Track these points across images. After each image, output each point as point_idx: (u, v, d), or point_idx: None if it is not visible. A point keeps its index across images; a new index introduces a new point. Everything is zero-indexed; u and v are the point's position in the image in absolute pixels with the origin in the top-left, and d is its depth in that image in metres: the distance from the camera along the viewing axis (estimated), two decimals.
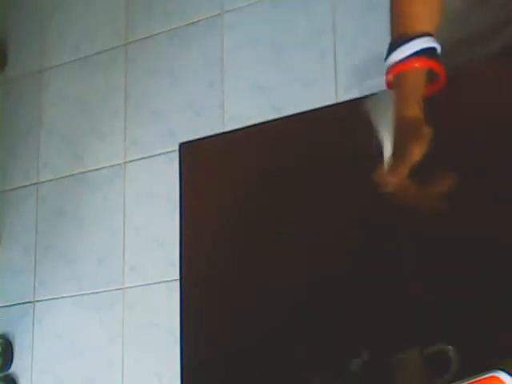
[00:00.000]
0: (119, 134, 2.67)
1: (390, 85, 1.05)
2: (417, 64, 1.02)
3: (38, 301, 2.68)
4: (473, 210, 1.02)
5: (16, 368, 2.67)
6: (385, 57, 1.06)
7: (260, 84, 2.43)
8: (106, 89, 2.74)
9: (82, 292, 2.59)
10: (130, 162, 2.62)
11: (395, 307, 1.04)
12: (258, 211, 1.20)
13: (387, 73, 1.05)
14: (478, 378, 0.82)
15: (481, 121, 1.05)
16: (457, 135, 1.06)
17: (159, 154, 2.56)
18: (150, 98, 2.63)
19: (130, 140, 2.64)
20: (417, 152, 0.97)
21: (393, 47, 1.04)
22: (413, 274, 1.04)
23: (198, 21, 2.60)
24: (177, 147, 1.31)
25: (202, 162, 1.29)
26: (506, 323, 0.95)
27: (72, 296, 2.61)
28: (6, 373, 2.66)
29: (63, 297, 2.63)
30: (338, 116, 1.18)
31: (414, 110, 1.01)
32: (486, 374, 0.82)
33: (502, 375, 0.81)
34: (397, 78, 1.03)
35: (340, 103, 1.08)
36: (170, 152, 2.51)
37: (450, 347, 0.96)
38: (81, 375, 2.54)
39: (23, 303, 2.70)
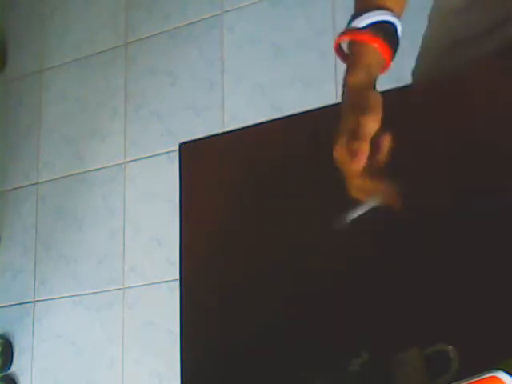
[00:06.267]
0: (119, 134, 2.67)
1: (336, 49, 1.04)
2: (376, 44, 0.99)
3: (37, 301, 2.68)
4: (472, 209, 1.02)
5: (16, 368, 2.67)
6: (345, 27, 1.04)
7: (260, 84, 2.43)
8: (106, 89, 2.74)
9: (82, 292, 2.59)
10: (130, 162, 2.62)
11: (395, 307, 1.04)
12: (258, 211, 1.20)
13: (338, 36, 1.03)
14: (478, 378, 0.82)
15: (480, 121, 1.05)
16: (456, 135, 1.06)
17: (159, 154, 2.56)
18: (149, 98, 2.63)
19: (130, 140, 2.64)
20: (369, 124, 0.93)
21: (352, 18, 1.03)
22: (412, 273, 1.04)
23: (198, 21, 2.60)
24: (177, 147, 1.31)
25: (202, 162, 1.29)
26: (506, 323, 0.95)
27: (72, 296, 2.61)
28: (5, 373, 2.67)
29: (63, 297, 2.63)
30: (337, 116, 1.18)
31: (360, 77, 0.98)
32: (486, 373, 0.82)
33: (502, 375, 0.81)
34: (354, 45, 1.01)
35: (340, 103, 1.08)
36: (170, 152, 2.51)
37: (450, 347, 0.96)
38: (81, 375, 2.54)
39: (23, 303, 2.70)
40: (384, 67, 1.02)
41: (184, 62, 2.60)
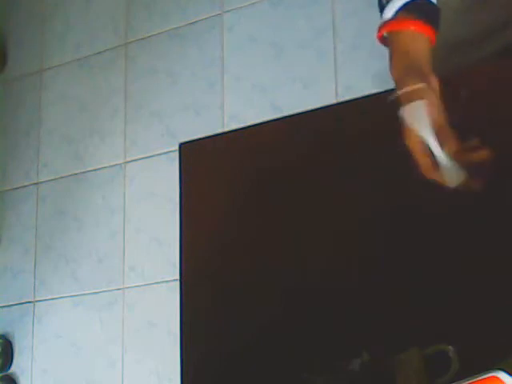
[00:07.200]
0: (119, 134, 2.67)
1: (382, 40, 1.02)
2: (411, 26, 0.97)
3: (38, 301, 2.68)
4: (473, 210, 1.02)
5: (16, 368, 2.67)
6: (379, 11, 1.02)
7: (260, 84, 2.43)
8: (106, 89, 2.74)
9: (82, 292, 2.59)
10: (130, 162, 2.62)
11: (395, 307, 1.04)
12: (258, 211, 1.20)
13: (379, 29, 1.01)
14: (478, 378, 0.82)
15: (480, 121, 1.05)
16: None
17: (159, 154, 2.56)
18: (149, 98, 2.63)
19: (130, 140, 2.64)
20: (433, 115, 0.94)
21: (381, 8, 1.01)
22: (413, 274, 1.04)
23: (198, 21, 2.60)
24: (177, 147, 1.31)
25: (202, 162, 1.29)
26: (506, 323, 0.95)
27: (72, 296, 2.61)
28: (5, 373, 2.67)
29: (63, 297, 2.63)
30: (338, 116, 1.18)
31: (400, 67, 0.97)
32: (486, 373, 0.82)
33: (502, 375, 0.81)
34: (390, 37, 1.00)
35: (340, 103, 1.08)
36: (170, 152, 2.51)
37: (450, 347, 0.96)
38: (81, 375, 2.54)
39: (23, 303, 2.70)
40: (430, 42, 1.00)
41: (184, 62, 2.59)
